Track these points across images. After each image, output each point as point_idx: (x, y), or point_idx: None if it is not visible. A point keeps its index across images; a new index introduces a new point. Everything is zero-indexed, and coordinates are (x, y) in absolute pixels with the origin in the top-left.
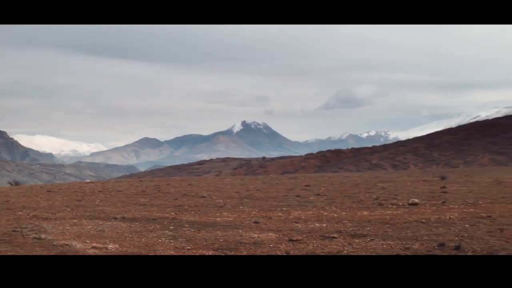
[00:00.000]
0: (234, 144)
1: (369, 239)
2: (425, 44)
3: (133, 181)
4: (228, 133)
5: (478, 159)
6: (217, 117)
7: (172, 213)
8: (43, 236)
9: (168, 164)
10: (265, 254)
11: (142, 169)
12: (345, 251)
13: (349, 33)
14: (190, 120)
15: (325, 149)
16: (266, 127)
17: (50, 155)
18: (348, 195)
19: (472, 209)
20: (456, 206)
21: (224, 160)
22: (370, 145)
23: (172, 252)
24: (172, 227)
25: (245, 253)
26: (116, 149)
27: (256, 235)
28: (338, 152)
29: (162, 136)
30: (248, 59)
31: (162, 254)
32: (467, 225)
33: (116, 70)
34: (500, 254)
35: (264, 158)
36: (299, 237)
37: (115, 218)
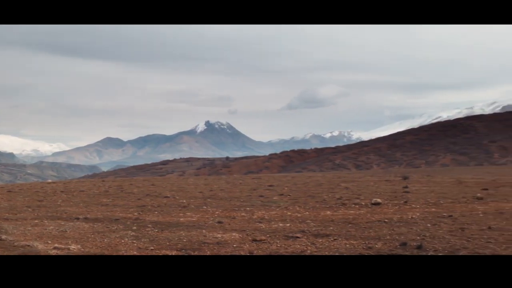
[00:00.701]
0: (198, 144)
1: (332, 239)
2: (388, 45)
3: (95, 181)
4: (191, 133)
5: (440, 159)
6: (181, 117)
7: (135, 213)
8: (3, 237)
9: (131, 164)
10: (229, 254)
11: (104, 169)
12: (309, 251)
13: (313, 33)
14: (153, 120)
15: (288, 149)
16: (230, 127)
17: (11, 155)
18: (312, 195)
19: (433, 209)
20: (418, 206)
21: (188, 160)
22: (333, 145)
23: (135, 252)
24: (135, 228)
25: (208, 253)
26: (78, 149)
27: (219, 235)
28: (301, 152)
29: (125, 136)
30: (212, 59)
31: (125, 254)
32: (428, 225)
33: (79, 70)
34: (461, 253)
35: (227, 158)
36: (263, 237)
37: (77, 219)
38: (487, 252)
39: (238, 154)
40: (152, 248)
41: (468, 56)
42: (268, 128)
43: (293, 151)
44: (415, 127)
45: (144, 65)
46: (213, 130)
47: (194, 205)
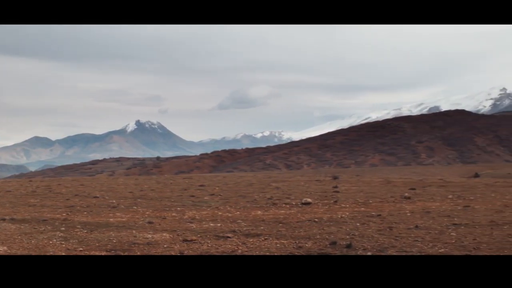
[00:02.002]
0: (128, 144)
1: (263, 238)
2: (318, 46)
3: (22, 181)
4: (121, 132)
5: (369, 159)
6: (111, 116)
7: (64, 214)
8: None
9: (60, 164)
10: (159, 254)
11: (32, 169)
12: (239, 251)
13: (243, 33)
14: (83, 119)
15: (219, 149)
16: (161, 126)
17: None
18: (243, 195)
19: (363, 208)
20: (348, 205)
21: (118, 160)
22: (264, 145)
23: (63, 254)
24: (63, 228)
25: (138, 253)
26: (4, 148)
27: (150, 236)
28: (232, 152)
29: (54, 135)
30: (142, 58)
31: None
32: (358, 224)
33: (6, 67)
34: (389, 251)
35: (158, 158)
36: (194, 237)
37: (4, 220)
38: (414, 250)
39: (169, 154)
40: (81, 249)
41: (395, 58)
42: (199, 128)
43: (224, 151)
44: (345, 127)
45: (74, 64)
46: (143, 130)
47: (124, 205)
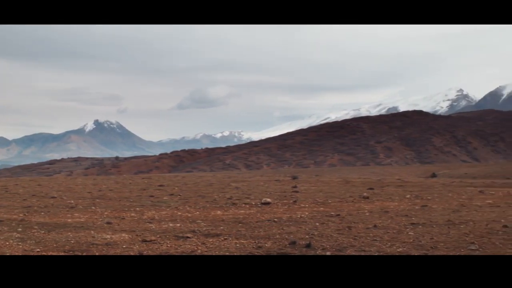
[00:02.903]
0: (86, 144)
1: (222, 238)
2: (277, 46)
3: None
4: (80, 132)
5: (328, 159)
6: (69, 115)
7: (21, 214)
8: None
9: (17, 164)
10: (118, 254)
11: None
12: (199, 251)
13: (203, 33)
14: (40, 118)
15: (179, 149)
16: (120, 126)
17: None
18: (202, 195)
19: (322, 208)
20: (307, 205)
21: (76, 159)
22: (224, 145)
23: (20, 254)
24: (20, 229)
25: (97, 254)
26: None
27: (108, 236)
28: (192, 152)
29: (10, 135)
30: (100, 57)
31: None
32: (317, 224)
33: None
34: (348, 251)
35: (117, 157)
36: (153, 238)
37: None
38: (373, 250)
39: (128, 154)
40: (38, 250)
41: (354, 59)
42: (158, 127)
43: (183, 151)
44: (304, 127)
45: (30, 63)
46: (102, 130)
47: (82, 206)
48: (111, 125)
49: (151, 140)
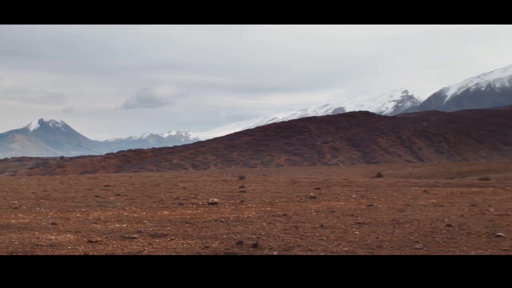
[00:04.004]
0: (31, 143)
1: (169, 239)
2: (225, 46)
3: None
4: (24, 131)
5: (275, 159)
6: (12, 114)
7: None
8: None
9: None
10: (63, 255)
11: None
12: (146, 251)
13: (149, 32)
14: None
15: (126, 149)
16: (65, 125)
17: None
18: (149, 195)
19: (269, 208)
20: (254, 205)
21: (20, 159)
22: (171, 145)
23: None
24: None
25: (41, 255)
26: None
27: (53, 237)
28: (139, 152)
29: None
30: (44, 56)
31: None
32: (264, 223)
33: None
34: (295, 250)
35: (62, 157)
36: (99, 238)
37: None
38: (319, 249)
39: (74, 153)
40: None
41: (301, 59)
42: (104, 127)
43: (130, 150)
44: (252, 127)
45: None
46: (47, 129)
47: (26, 206)
48: (56, 125)
49: (97, 139)
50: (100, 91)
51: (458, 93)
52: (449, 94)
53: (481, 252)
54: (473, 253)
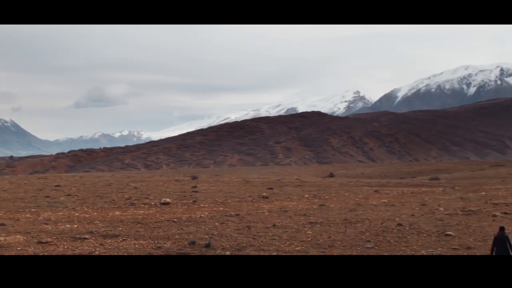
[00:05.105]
0: None
1: (121, 239)
2: (176, 45)
3: None
4: None
5: (228, 159)
6: None
7: None
8: None
9: None
10: (12, 255)
11: None
12: (97, 252)
13: (99, 31)
14: None
15: (77, 149)
16: (14, 125)
17: None
18: (100, 195)
19: (221, 208)
20: (207, 205)
21: None
22: (123, 145)
23: None
24: None
25: None
26: None
27: (2, 238)
28: (90, 151)
29: None
30: None
31: None
32: (217, 223)
33: None
34: (247, 250)
35: (11, 157)
36: (49, 239)
37: None
38: (272, 249)
39: (24, 153)
40: None
41: (252, 59)
42: (55, 126)
43: (81, 150)
44: (204, 127)
45: None
46: None
47: None
48: (5, 124)
49: (47, 139)
50: (50, 90)
51: (409, 94)
52: (400, 95)
53: (431, 251)
54: (423, 252)
